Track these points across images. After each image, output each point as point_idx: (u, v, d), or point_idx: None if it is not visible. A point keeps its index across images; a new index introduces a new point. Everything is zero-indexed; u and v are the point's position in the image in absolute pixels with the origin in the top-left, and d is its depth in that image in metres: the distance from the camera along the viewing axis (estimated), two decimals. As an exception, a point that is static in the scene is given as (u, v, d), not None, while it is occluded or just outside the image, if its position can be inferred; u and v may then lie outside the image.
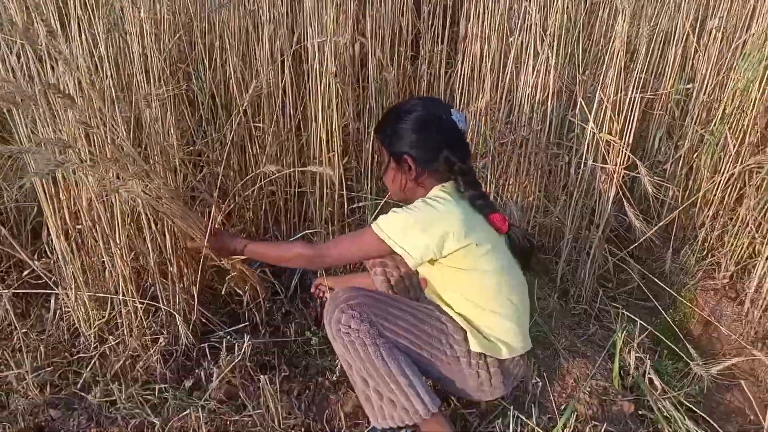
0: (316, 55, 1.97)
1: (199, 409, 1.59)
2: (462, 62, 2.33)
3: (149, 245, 1.73)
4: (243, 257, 1.78)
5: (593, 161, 2.09)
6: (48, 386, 1.70)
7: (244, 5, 2.08)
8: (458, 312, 1.55)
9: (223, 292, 1.97)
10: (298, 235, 2.16)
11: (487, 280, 1.52)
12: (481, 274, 1.51)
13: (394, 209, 1.52)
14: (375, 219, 1.52)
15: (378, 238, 1.48)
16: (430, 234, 1.45)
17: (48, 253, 1.90)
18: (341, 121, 2.12)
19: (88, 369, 1.75)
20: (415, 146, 1.55)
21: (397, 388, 1.45)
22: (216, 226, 1.78)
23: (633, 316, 2.00)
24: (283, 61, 2.12)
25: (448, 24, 2.59)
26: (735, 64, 2.46)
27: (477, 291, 1.53)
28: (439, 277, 1.57)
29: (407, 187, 1.58)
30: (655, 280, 2.22)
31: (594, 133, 2.05)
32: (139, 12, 1.63)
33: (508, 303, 1.55)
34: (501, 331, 1.54)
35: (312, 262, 1.64)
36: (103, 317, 1.82)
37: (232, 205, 2.02)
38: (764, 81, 2.31)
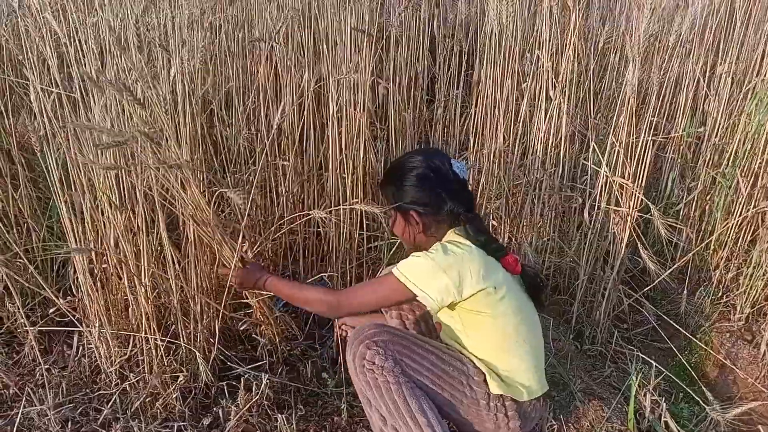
0: (337, 94, 2.04)
1: (218, 448, 1.62)
2: (476, 106, 2.39)
3: (173, 283, 1.78)
4: (267, 293, 1.82)
5: (606, 204, 2.13)
6: (69, 423, 1.73)
7: (270, 56, 2.16)
8: (476, 355, 1.56)
9: (240, 329, 2.01)
10: (315, 277, 2.19)
11: (504, 323, 1.54)
12: (499, 317, 1.53)
13: (414, 254, 1.55)
14: (389, 261, 1.56)
15: (399, 283, 1.51)
16: (450, 277, 1.47)
17: (73, 290, 1.95)
18: (362, 161, 2.17)
19: (108, 406, 1.78)
20: (419, 201, 1.60)
21: (415, 427, 1.45)
22: (245, 256, 1.83)
23: (648, 359, 2.00)
24: (304, 103, 2.19)
25: (463, 69, 2.66)
26: (746, 108, 2.50)
27: (495, 334, 1.55)
28: (457, 321, 1.59)
29: (417, 239, 1.63)
30: (670, 321, 2.22)
31: (607, 176, 2.09)
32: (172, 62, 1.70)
33: (525, 345, 1.57)
34: (519, 373, 1.56)
35: (332, 309, 1.66)
36: (125, 354, 1.85)
37: (261, 241, 2.06)
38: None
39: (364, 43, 2.06)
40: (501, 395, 1.52)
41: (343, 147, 2.13)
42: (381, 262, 2.31)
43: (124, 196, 1.72)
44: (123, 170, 1.64)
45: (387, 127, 2.43)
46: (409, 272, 1.51)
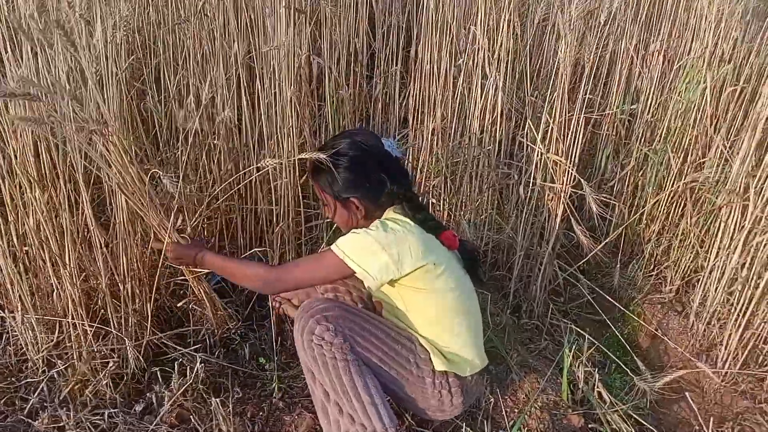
0: (272, 73, 1.99)
1: (150, 433, 1.58)
2: (413, 83, 2.38)
3: (101, 266, 1.71)
4: (203, 270, 1.78)
5: (542, 180, 2.15)
6: (-7, 413, 1.66)
7: (200, 25, 2.08)
8: (418, 332, 1.57)
9: (178, 309, 1.96)
10: (248, 253, 2.15)
11: (444, 299, 1.55)
12: (439, 293, 1.54)
13: (353, 230, 1.53)
14: (329, 241, 1.53)
15: (338, 260, 1.49)
16: (389, 253, 1.46)
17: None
18: (298, 140, 2.13)
19: (35, 394, 1.71)
20: (359, 187, 1.57)
21: (359, 405, 1.45)
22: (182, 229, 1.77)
23: (582, 331, 2.05)
24: (238, 79, 2.13)
25: (402, 45, 2.64)
26: (677, 85, 2.57)
27: (435, 311, 1.55)
28: (397, 298, 1.58)
29: (358, 223, 1.60)
30: (604, 295, 2.28)
31: (542, 153, 2.11)
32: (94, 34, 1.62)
33: (465, 321, 1.58)
34: (460, 348, 1.57)
35: (270, 285, 1.60)
36: (52, 341, 1.78)
37: (195, 219, 1.99)
38: (703, 102, 2.40)
39: (298, 18, 2.01)
40: (445, 372, 1.53)
41: (277, 125, 2.08)
42: (321, 241, 2.29)
43: (45, 173, 1.64)
44: (38, 126, 1.53)
45: (325, 104, 2.40)
46: (349, 249, 1.49)
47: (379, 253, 1.46)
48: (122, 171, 1.63)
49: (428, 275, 1.50)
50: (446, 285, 1.54)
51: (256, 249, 2.12)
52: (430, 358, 1.53)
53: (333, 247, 1.51)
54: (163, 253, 1.73)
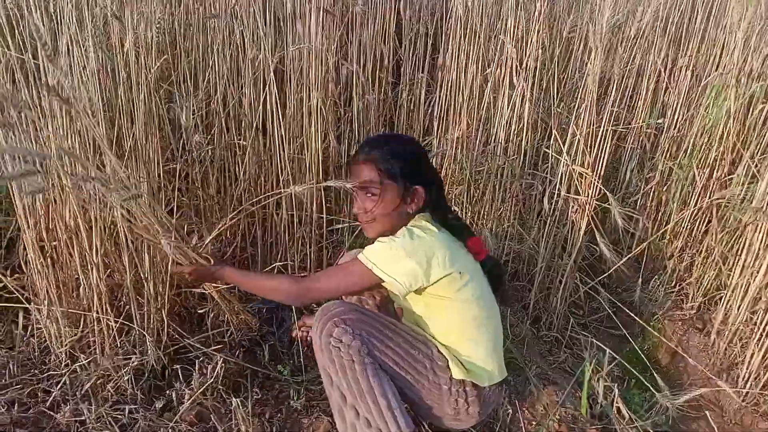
0: (298, 75, 2.00)
1: (169, 430, 1.58)
2: (440, 91, 2.38)
3: (126, 263, 1.73)
4: (227, 285, 1.79)
5: (566, 192, 2.14)
6: (16, 404, 1.67)
7: (230, 28, 2.11)
8: (439, 340, 1.56)
9: (197, 315, 1.97)
10: (269, 267, 2.15)
11: (467, 308, 1.54)
12: (463, 302, 1.53)
13: (380, 239, 1.53)
14: (351, 246, 1.53)
15: (367, 269, 1.48)
16: (417, 261, 1.46)
17: (23, 267, 1.88)
18: (322, 144, 2.14)
19: (58, 387, 1.73)
20: (428, 178, 1.58)
21: (375, 409, 1.45)
22: (202, 252, 1.75)
23: (602, 345, 2.04)
24: (265, 82, 2.15)
25: (429, 52, 2.65)
26: (703, 101, 2.55)
27: (457, 320, 1.55)
28: (420, 306, 1.58)
29: (397, 220, 1.57)
30: (625, 309, 2.26)
31: (567, 164, 2.10)
32: (127, 34, 1.65)
33: (486, 331, 1.58)
34: (480, 359, 1.56)
35: (298, 297, 1.59)
36: (75, 335, 1.80)
37: (219, 230, 2.00)
38: (729, 119, 2.38)
39: (326, 21, 2.03)
40: (462, 380, 1.53)
41: (303, 128, 2.09)
42: (342, 245, 2.29)
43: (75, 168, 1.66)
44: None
45: (351, 109, 2.41)
46: (376, 258, 1.49)
47: (407, 261, 1.46)
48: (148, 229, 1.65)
49: (453, 284, 1.50)
50: (470, 295, 1.54)
51: (277, 263, 2.13)
52: (448, 366, 1.53)
53: (360, 256, 1.51)
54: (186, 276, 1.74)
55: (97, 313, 1.75)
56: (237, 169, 2.19)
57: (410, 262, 1.46)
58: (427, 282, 1.47)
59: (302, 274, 2.10)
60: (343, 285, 1.57)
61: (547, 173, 2.30)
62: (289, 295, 1.59)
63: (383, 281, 1.49)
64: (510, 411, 1.83)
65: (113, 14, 1.73)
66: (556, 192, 2.18)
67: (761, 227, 2.13)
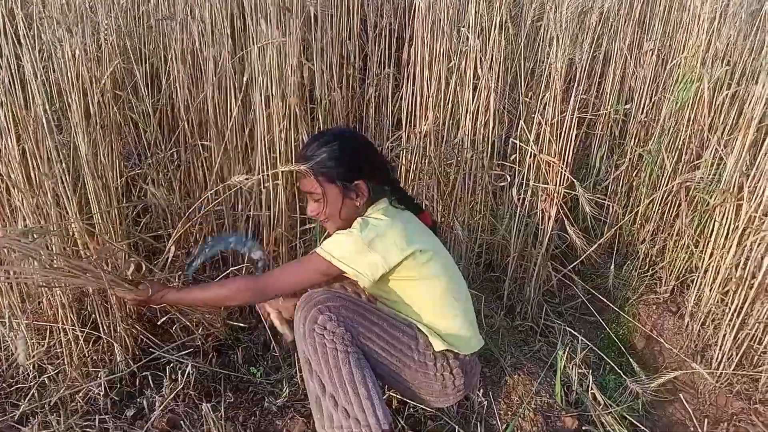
0: (261, 78, 1.98)
1: (141, 439, 1.57)
2: (406, 85, 2.37)
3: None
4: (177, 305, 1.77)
5: (535, 182, 2.14)
6: (-17, 420, 1.65)
7: (188, 28, 2.08)
8: (416, 319, 1.58)
9: (165, 321, 1.95)
10: (223, 275, 2.13)
11: (435, 284, 1.57)
12: (430, 279, 1.56)
13: (337, 232, 1.54)
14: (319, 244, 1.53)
15: (326, 262, 1.50)
16: (376, 250, 1.48)
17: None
18: (291, 144, 2.12)
19: (26, 400, 1.70)
20: (364, 170, 1.58)
21: (355, 398, 1.44)
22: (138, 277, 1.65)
23: (575, 332, 2.04)
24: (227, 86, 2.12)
25: (395, 48, 2.63)
26: (670, 85, 2.56)
27: (428, 297, 1.57)
28: (390, 292, 1.59)
29: (349, 215, 1.59)
30: (599, 296, 2.27)
31: (534, 154, 2.10)
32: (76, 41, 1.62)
33: (457, 302, 1.60)
34: (456, 329, 1.58)
35: (256, 294, 1.60)
36: (42, 346, 1.78)
37: (178, 233, 1.96)
38: (697, 101, 2.40)
39: (287, 19, 2.01)
40: (444, 352, 1.54)
41: (268, 131, 2.07)
42: (315, 244, 2.28)
43: (33, 178, 1.63)
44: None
45: (317, 106, 2.38)
46: (335, 250, 1.50)
47: (365, 251, 1.48)
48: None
49: (416, 263, 1.52)
50: (435, 271, 1.56)
51: (232, 268, 2.10)
52: (429, 342, 1.54)
53: (318, 250, 1.52)
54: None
55: (63, 323, 1.72)
56: (203, 172, 2.16)
57: (369, 252, 1.48)
58: (388, 267, 1.49)
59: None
60: (302, 279, 1.58)
61: (516, 163, 2.29)
62: (245, 295, 1.59)
63: (344, 272, 1.49)
64: (485, 402, 1.83)
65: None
66: (525, 182, 2.18)
67: (729, 209, 2.14)
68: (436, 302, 1.58)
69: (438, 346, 1.53)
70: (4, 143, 1.58)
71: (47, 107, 1.59)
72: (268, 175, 2.04)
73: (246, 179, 1.66)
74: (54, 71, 1.63)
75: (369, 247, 1.48)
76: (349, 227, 1.54)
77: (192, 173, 2.19)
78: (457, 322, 1.59)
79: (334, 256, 1.49)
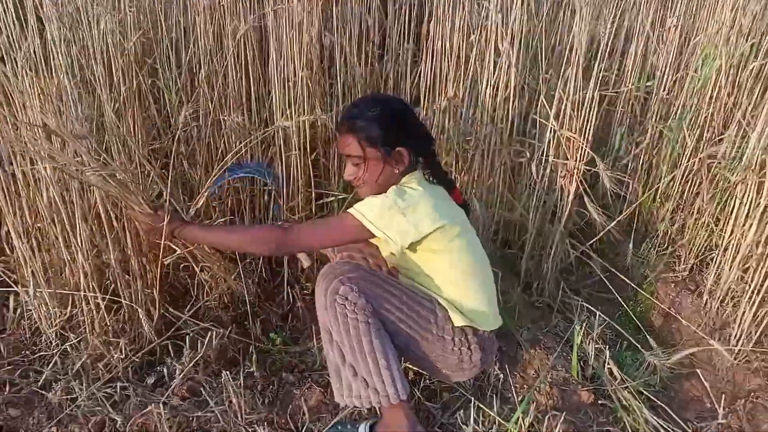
0: (282, 49, 1.98)
1: (161, 406, 1.59)
2: (425, 61, 2.35)
3: (110, 241, 1.72)
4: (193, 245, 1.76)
5: (554, 158, 2.13)
6: (7, 385, 1.69)
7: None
8: (437, 293, 1.58)
9: (188, 290, 1.97)
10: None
11: (460, 259, 1.57)
12: (456, 253, 1.56)
13: (370, 196, 1.54)
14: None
15: (357, 223, 1.50)
16: (409, 218, 1.48)
17: (8, 251, 1.88)
18: (309, 117, 2.13)
19: (49, 367, 1.74)
20: (412, 138, 1.59)
21: (374, 368, 1.46)
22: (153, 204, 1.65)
23: (593, 308, 2.04)
24: (246, 58, 2.13)
25: (414, 23, 2.61)
26: (692, 62, 2.52)
27: (452, 271, 1.58)
28: (413, 263, 1.60)
29: (385, 181, 1.58)
30: (617, 273, 2.26)
31: (555, 130, 2.08)
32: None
33: (480, 279, 1.62)
34: (477, 305, 1.59)
35: (281, 247, 1.56)
36: (65, 315, 1.80)
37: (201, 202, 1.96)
38: (719, 78, 2.36)
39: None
40: (463, 328, 1.55)
41: (288, 103, 2.07)
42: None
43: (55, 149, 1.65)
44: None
45: (336, 82, 2.38)
46: (368, 212, 1.50)
47: (398, 216, 1.48)
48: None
49: (444, 236, 1.52)
50: (461, 246, 1.57)
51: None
52: (448, 316, 1.55)
53: (352, 210, 1.51)
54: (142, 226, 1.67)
55: (85, 292, 1.75)
56: (224, 146, 2.17)
57: (401, 218, 1.48)
58: (418, 236, 1.49)
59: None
60: (331, 238, 1.58)
61: (535, 140, 2.27)
62: (269, 246, 1.56)
63: (373, 236, 1.50)
64: (501, 376, 1.84)
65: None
66: (545, 158, 2.16)
67: (751, 186, 2.12)
68: (458, 277, 1.58)
69: (457, 321, 1.55)
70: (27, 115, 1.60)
71: (71, 76, 1.60)
72: (300, 123, 2.05)
73: (287, 125, 1.70)
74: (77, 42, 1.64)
75: (402, 214, 1.48)
76: (383, 194, 1.54)
77: (213, 147, 2.19)
78: (477, 298, 1.60)
79: (368, 218, 1.49)
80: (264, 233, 1.58)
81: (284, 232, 1.54)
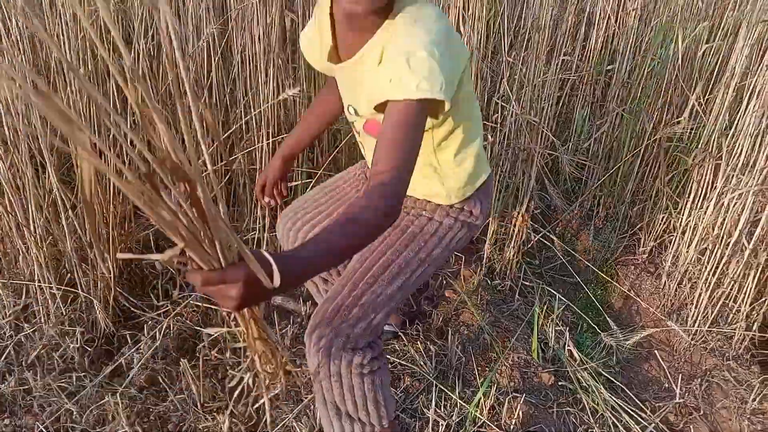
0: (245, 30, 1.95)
1: (118, 396, 1.57)
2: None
3: (66, 229, 1.69)
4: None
5: (516, 141, 2.14)
6: (-41, 377, 1.65)
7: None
8: (452, 169, 1.35)
9: (146, 277, 1.94)
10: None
11: (476, 110, 1.37)
12: (472, 103, 1.33)
13: (399, 52, 1.09)
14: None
15: (422, 105, 1.08)
16: (455, 62, 1.15)
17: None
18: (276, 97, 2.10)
19: (2, 358, 1.70)
20: None
21: (373, 414, 1.35)
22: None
23: (553, 291, 2.06)
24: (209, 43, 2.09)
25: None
26: (651, 46, 2.55)
27: (472, 130, 1.34)
28: (429, 140, 1.31)
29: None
30: (578, 256, 2.28)
31: (516, 113, 2.09)
32: None
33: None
34: (482, 161, 1.42)
35: (399, 203, 1.04)
36: (19, 305, 1.77)
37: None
38: (676, 61, 2.39)
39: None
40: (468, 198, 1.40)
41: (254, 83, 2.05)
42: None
43: (7, 136, 1.60)
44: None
45: (299, 66, 2.35)
46: (425, 83, 1.07)
47: (448, 61, 1.11)
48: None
49: (465, 82, 1.23)
50: (471, 88, 1.32)
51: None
52: (451, 203, 1.40)
53: (409, 95, 1.06)
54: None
55: (40, 282, 1.71)
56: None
57: (450, 63, 1.12)
58: (453, 91, 1.14)
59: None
60: (416, 144, 1.08)
61: (498, 123, 2.28)
62: (388, 216, 1.02)
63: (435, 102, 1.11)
64: (463, 359, 1.85)
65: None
66: (506, 142, 2.17)
67: (708, 168, 2.15)
68: (477, 132, 1.36)
69: (467, 191, 1.40)
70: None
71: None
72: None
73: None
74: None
75: (450, 57, 1.12)
76: (387, 14, 1.16)
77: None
78: (481, 153, 1.40)
79: (432, 87, 1.07)
80: (376, 208, 0.99)
81: (383, 188, 1.01)
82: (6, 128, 1.61)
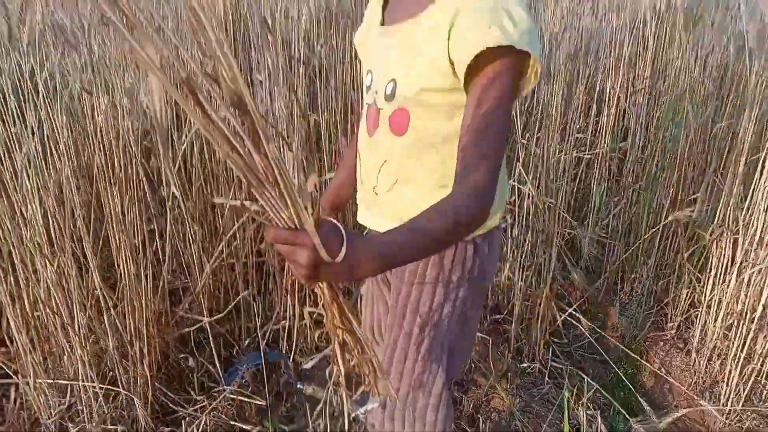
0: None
1: (160, 493, 1.61)
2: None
3: (107, 327, 1.77)
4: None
5: (534, 222, 2.20)
6: (7, 479, 1.70)
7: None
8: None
9: (184, 372, 2.00)
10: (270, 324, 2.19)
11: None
12: None
13: (504, 5, 0.94)
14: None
15: (520, 66, 0.96)
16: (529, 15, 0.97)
17: (7, 342, 1.92)
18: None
19: (49, 458, 1.75)
20: None
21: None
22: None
23: (583, 373, 2.08)
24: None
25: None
26: (662, 122, 2.63)
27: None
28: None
29: None
30: (605, 335, 2.30)
31: (532, 194, 2.16)
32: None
33: None
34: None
35: (494, 188, 0.91)
36: (64, 404, 1.83)
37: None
38: (690, 136, 2.46)
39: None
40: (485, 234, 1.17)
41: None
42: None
43: (54, 238, 1.71)
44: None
45: (324, 155, 2.47)
46: (525, 31, 0.93)
47: (530, 17, 0.96)
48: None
49: None
50: None
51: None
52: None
53: (515, 42, 0.91)
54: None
55: (83, 380, 1.78)
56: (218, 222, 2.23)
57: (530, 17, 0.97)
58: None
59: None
60: (508, 119, 0.96)
61: (516, 205, 2.35)
62: (481, 210, 0.89)
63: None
64: (495, 446, 1.86)
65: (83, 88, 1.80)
66: (525, 223, 2.23)
67: (727, 243, 2.19)
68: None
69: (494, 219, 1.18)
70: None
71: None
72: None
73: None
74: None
75: (525, 9, 0.97)
76: None
77: (206, 224, 2.25)
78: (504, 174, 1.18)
79: (529, 41, 0.94)
80: (469, 196, 0.88)
81: (476, 175, 0.89)
82: (53, 231, 1.71)
